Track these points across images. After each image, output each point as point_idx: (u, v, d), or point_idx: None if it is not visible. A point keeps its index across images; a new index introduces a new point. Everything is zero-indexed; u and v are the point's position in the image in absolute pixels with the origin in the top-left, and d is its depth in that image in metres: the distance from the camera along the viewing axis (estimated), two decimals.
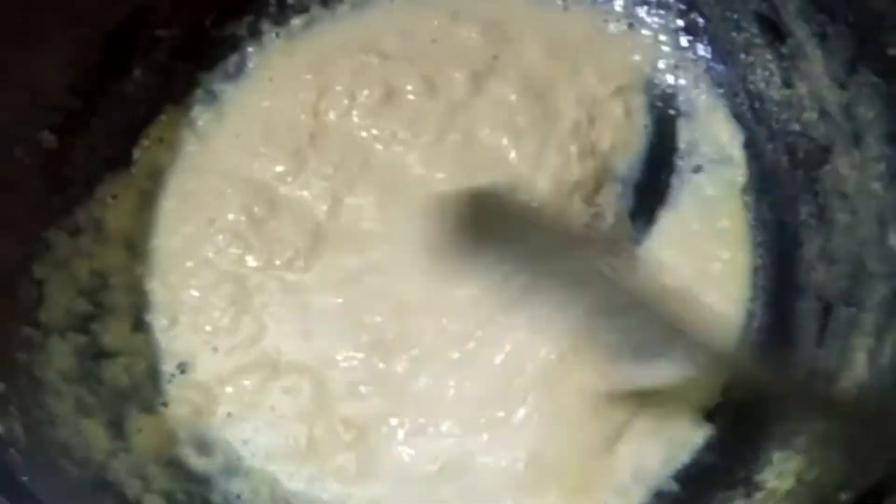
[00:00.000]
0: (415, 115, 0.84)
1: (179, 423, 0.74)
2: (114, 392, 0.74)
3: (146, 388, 0.75)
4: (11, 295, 0.71)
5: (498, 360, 0.75)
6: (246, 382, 0.76)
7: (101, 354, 0.75)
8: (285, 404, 0.75)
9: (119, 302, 0.78)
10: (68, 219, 0.78)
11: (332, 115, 0.85)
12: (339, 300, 0.78)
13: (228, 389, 0.76)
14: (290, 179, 0.82)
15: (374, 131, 0.84)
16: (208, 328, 0.78)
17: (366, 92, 0.84)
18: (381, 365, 0.76)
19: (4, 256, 0.70)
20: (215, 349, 0.77)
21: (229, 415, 0.75)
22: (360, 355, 0.76)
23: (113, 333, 0.76)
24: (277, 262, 0.79)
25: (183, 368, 0.77)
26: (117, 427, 0.72)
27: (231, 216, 0.81)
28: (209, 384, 0.76)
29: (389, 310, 0.77)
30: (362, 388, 0.75)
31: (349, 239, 0.80)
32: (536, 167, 0.81)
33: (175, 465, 0.72)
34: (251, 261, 0.80)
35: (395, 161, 0.83)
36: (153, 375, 0.76)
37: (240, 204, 0.81)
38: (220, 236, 0.80)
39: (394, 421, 0.74)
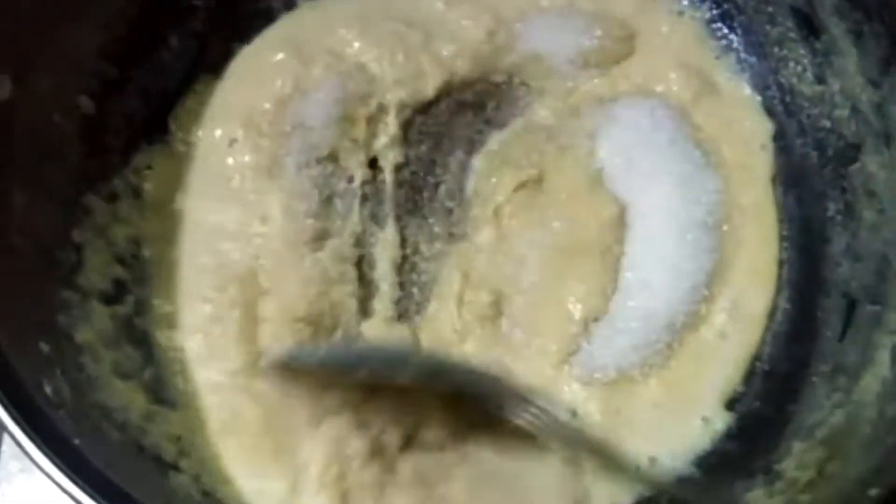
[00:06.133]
0: None
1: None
2: (148, 356, 0.75)
3: (177, 354, 0.76)
4: (51, 258, 0.71)
5: None
6: None
7: (135, 319, 0.76)
8: None
9: (151, 269, 0.79)
10: (106, 185, 0.78)
11: None
12: None
13: None
14: None
15: None
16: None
17: None
18: None
19: (45, 221, 0.71)
20: None
21: None
22: None
23: (146, 299, 0.77)
24: None
25: None
26: (153, 391, 0.73)
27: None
28: None
29: None
30: None
31: None
32: None
33: None
34: None
35: None
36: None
37: None
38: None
39: None
